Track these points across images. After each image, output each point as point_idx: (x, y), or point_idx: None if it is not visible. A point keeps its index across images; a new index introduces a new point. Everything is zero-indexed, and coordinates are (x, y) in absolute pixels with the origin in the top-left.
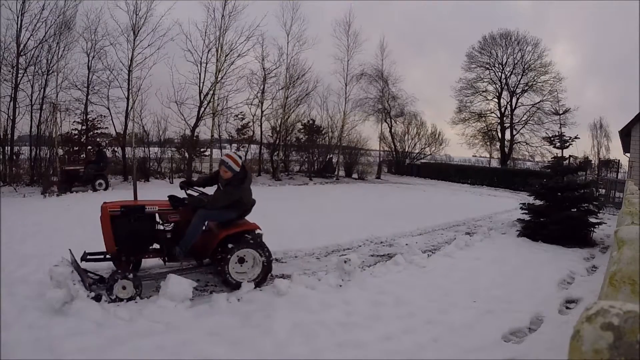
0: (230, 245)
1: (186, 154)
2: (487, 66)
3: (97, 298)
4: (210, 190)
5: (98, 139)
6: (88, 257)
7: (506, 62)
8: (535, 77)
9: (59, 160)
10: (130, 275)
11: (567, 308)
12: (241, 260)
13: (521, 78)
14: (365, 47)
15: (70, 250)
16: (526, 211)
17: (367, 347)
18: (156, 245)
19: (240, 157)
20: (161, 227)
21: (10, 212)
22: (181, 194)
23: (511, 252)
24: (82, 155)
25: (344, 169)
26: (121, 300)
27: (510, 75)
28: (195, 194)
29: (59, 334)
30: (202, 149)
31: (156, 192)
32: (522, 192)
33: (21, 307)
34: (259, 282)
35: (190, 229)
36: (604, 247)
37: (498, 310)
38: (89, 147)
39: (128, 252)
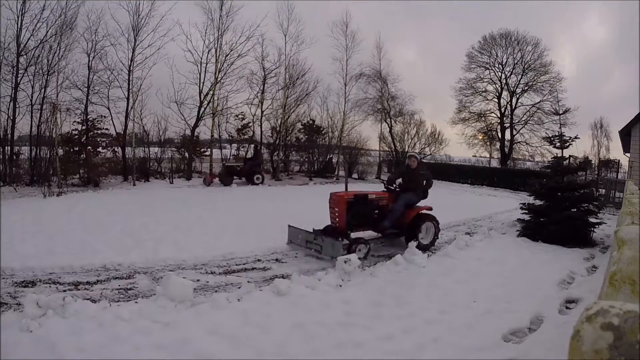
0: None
1: (186, 154)
2: (487, 66)
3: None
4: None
5: (254, 139)
6: (315, 231)
7: (506, 62)
8: (535, 77)
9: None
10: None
11: (567, 308)
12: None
13: (521, 78)
14: (363, 46)
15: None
16: (526, 211)
17: (367, 347)
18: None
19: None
20: (375, 210)
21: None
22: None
23: (511, 252)
24: (82, 156)
25: (344, 168)
26: (362, 258)
27: (510, 75)
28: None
29: (58, 333)
30: (202, 149)
31: (157, 192)
32: (522, 192)
33: (21, 306)
34: (431, 243)
35: (395, 209)
36: (604, 247)
37: (498, 310)
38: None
39: (354, 227)
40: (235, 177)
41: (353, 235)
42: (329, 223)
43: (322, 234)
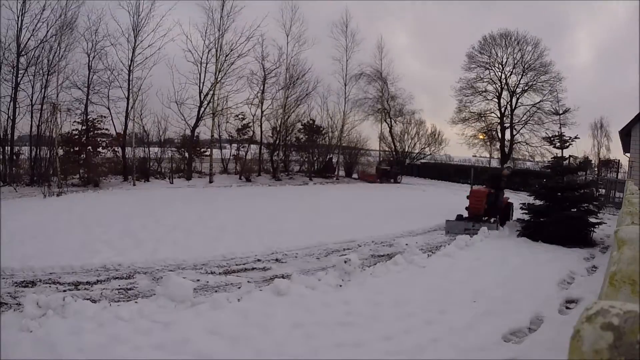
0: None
1: (186, 154)
2: (487, 66)
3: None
4: None
5: (391, 159)
6: (459, 218)
7: (506, 62)
8: (535, 77)
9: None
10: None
11: (567, 308)
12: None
13: (521, 78)
14: (364, 46)
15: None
16: (526, 211)
17: (367, 347)
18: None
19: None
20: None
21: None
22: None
23: (511, 252)
24: (82, 156)
25: (344, 169)
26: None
27: (510, 75)
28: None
29: (58, 333)
30: (202, 149)
31: (157, 192)
32: (522, 192)
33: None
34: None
35: (499, 201)
36: (604, 247)
37: (498, 310)
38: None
39: (490, 214)
40: (383, 177)
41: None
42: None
43: (475, 221)
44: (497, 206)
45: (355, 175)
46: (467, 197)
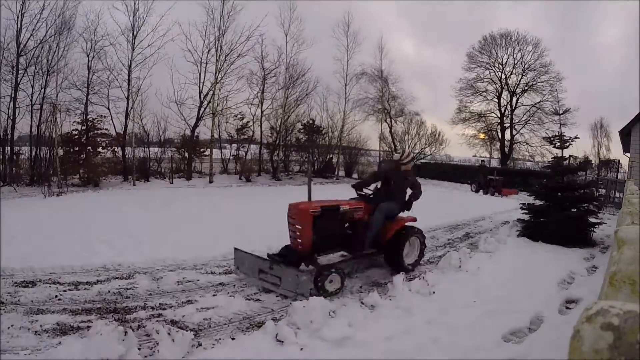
0: (402, 234)
1: (186, 154)
2: (487, 66)
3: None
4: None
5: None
6: (271, 257)
7: (506, 62)
8: (535, 77)
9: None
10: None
11: (567, 308)
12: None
13: (521, 78)
14: (365, 46)
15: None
16: (526, 211)
17: (367, 347)
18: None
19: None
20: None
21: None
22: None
23: (511, 252)
24: (82, 156)
25: (344, 169)
26: (330, 294)
27: (510, 75)
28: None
29: None
30: (202, 149)
31: (157, 192)
32: (522, 192)
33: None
34: (416, 263)
35: (373, 222)
36: (604, 247)
37: (498, 310)
38: None
39: (322, 248)
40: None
41: (321, 260)
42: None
43: (281, 261)
44: (374, 233)
45: (355, 175)
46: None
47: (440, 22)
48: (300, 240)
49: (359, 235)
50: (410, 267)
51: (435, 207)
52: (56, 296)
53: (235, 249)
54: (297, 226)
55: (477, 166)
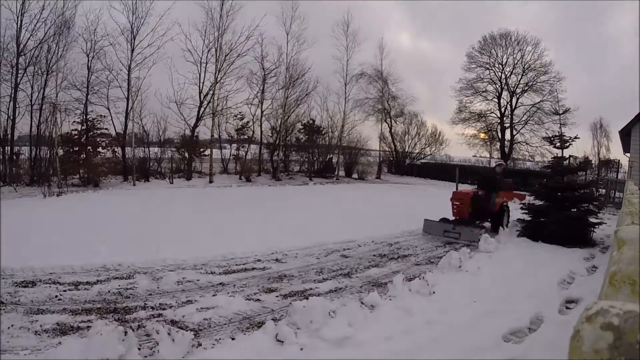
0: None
1: (186, 154)
2: (487, 66)
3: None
4: None
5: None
6: (453, 221)
7: (506, 62)
8: (535, 77)
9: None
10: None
11: (567, 308)
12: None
13: (521, 78)
14: (365, 46)
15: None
16: (526, 211)
17: (367, 347)
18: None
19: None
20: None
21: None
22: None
23: (511, 252)
24: (82, 156)
25: (344, 169)
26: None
27: (510, 75)
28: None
29: None
30: (202, 149)
31: (157, 192)
32: (522, 192)
33: None
34: (507, 223)
35: (491, 204)
36: (604, 247)
37: (498, 310)
38: None
39: (479, 218)
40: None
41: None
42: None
43: (459, 223)
44: (487, 209)
45: (355, 175)
46: (450, 200)
47: (444, 12)
48: (462, 211)
49: (486, 209)
50: (505, 227)
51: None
52: (56, 296)
53: (425, 219)
54: (460, 204)
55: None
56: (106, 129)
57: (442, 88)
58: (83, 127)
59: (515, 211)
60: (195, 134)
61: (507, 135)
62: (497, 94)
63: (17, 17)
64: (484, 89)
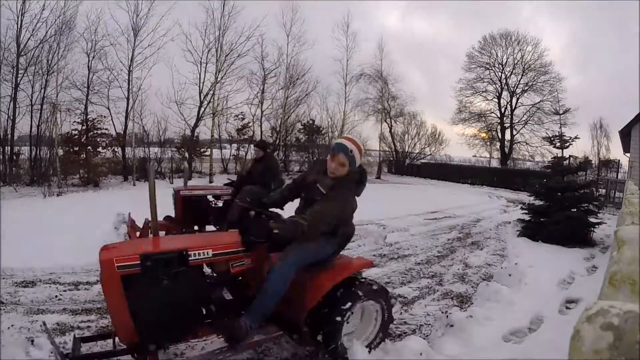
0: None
1: (186, 154)
2: (487, 66)
3: None
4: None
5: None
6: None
7: (506, 62)
8: (535, 77)
9: None
10: None
11: (567, 308)
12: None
13: (521, 78)
14: (365, 47)
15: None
16: (526, 211)
17: None
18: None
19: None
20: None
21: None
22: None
23: (511, 252)
24: (82, 156)
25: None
26: None
27: (510, 75)
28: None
29: None
30: (202, 149)
31: (157, 192)
32: (522, 192)
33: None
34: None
35: (272, 283)
36: (604, 247)
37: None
38: None
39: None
40: None
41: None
42: None
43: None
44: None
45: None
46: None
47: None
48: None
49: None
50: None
51: (435, 206)
52: (56, 296)
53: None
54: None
55: None
56: (106, 129)
57: (443, 87)
58: (83, 127)
59: (515, 211)
60: (196, 134)
61: (507, 135)
62: (497, 94)
63: (18, 17)
64: (484, 89)
